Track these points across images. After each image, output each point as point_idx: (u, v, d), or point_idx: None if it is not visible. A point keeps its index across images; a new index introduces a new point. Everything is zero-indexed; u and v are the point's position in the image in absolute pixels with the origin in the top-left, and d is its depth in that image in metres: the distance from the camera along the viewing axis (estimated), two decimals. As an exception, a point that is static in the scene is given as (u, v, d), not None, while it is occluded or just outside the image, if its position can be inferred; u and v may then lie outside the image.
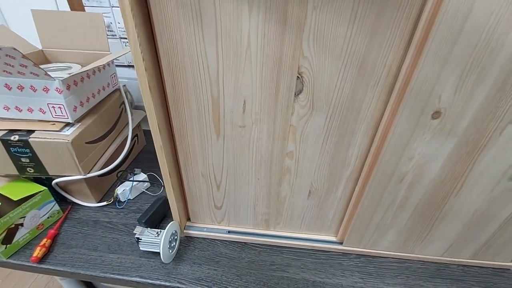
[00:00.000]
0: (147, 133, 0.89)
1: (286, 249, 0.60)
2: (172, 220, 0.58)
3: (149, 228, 0.58)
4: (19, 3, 0.85)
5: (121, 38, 0.84)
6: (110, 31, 0.82)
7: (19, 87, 0.54)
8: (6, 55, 0.47)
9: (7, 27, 0.79)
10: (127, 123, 0.77)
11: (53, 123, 0.59)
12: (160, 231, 0.56)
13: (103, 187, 0.73)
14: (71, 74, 0.56)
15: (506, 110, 0.38)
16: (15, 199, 0.56)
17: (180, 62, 0.40)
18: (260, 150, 0.48)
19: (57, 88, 0.54)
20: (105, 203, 0.69)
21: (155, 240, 0.55)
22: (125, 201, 0.70)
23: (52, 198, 0.62)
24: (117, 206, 0.69)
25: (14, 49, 0.46)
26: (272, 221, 0.60)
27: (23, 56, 0.47)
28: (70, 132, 0.58)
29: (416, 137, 0.42)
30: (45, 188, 0.61)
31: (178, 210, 0.56)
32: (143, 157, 0.87)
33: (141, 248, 0.57)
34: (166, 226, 0.55)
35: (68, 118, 0.58)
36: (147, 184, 0.75)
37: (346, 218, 0.55)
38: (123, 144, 0.75)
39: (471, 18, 0.32)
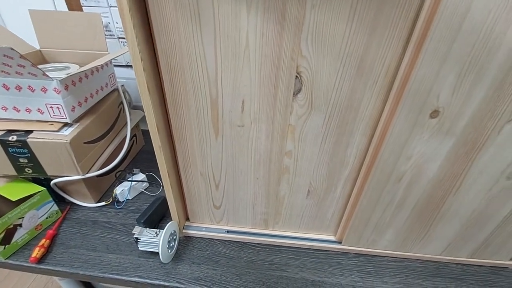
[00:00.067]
0: (146, 133, 0.89)
1: (285, 249, 0.60)
2: (171, 220, 0.58)
3: (148, 228, 0.58)
4: (17, 3, 0.84)
5: (119, 38, 0.84)
6: (108, 31, 0.82)
7: (17, 87, 0.54)
8: (4, 55, 0.47)
9: (4, 27, 0.79)
10: (126, 123, 0.77)
11: (51, 123, 0.58)
12: (159, 231, 0.56)
13: (102, 187, 0.73)
14: (69, 74, 0.56)
15: (504, 109, 0.38)
16: (13, 200, 0.56)
17: (179, 62, 0.40)
18: (259, 149, 0.48)
19: (55, 88, 0.54)
20: (103, 203, 0.69)
21: (154, 240, 0.55)
22: (123, 201, 0.70)
23: (51, 199, 0.62)
24: (116, 206, 0.69)
25: (12, 49, 0.46)
26: (271, 220, 0.60)
27: (21, 56, 0.47)
28: (68, 132, 0.57)
29: (414, 136, 0.42)
30: (43, 188, 0.61)
31: (177, 210, 0.56)
32: (141, 157, 0.87)
33: (140, 248, 0.57)
34: (165, 226, 0.55)
35: (66, 118, 0.58)
36: (145, 184, 0.75)
37: (345, 218, 0.55)
38: (121, 144, 0.74)
39: (469, 17, 0.32)
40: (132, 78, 0.90)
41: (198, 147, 0.49)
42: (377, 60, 0.37)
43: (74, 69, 0.70)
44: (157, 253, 0.53)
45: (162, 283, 0.53)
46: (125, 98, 0.77)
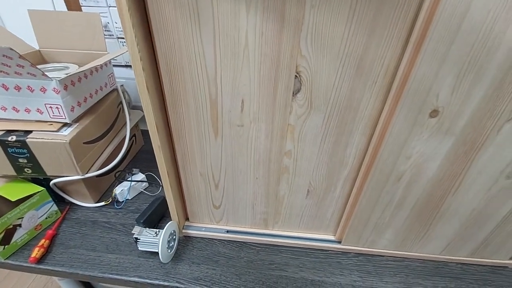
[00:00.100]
0: (145, 133, 0.89)
1: (284, 248, 0.60)
2: (171, 220, 0.58)
3: (147, 228, 0.58)
4: (16, 3, 0.84)
5: (118, 38, 0.84)
6: (107, 31, 0.82)
7: (17, 88, 0.54)
8: (3, 56, 0.47)
9: (4, 27, 0.79)
10: (125, 123, 0.77)
11: (51, 123, 0.58)
12: (159, 231, 0.56)
13: (101, 187, 0.73)
14: (68, 74, 0.55)
15: (504, 109, 0.38)
16: (13, 200, 0.56)
17: (178, 62, 0.40)
18: (258, 149, 0.48)
19: (54, 88, 0.54)
20: (103, 203, 0.69)
21: (153, 240, 0.55)
22: (123, 201, 0.70)
23: (50, 199, 0.62)
24: (115, 206, 0.69)
25: (11, 49, 0.46)
26: (271, 220, 0.60)
27: (20, 57, 0.47)
28: (67, 133, 0.57)
29: (414, 136, 0.42)
30: (43, 188, 0.60)
31: (176, 210, 0.56)
32: (141, 157, 0.87)
33: (139, 248, 0.57)
34: (165, 226, 0.55)
35: (65, 118, 0.58)
36: (145, 184, 0.75)
37: (345, 217, 0.55)
38: (121, 144, 0.74)
39: (468, 17, 0.32)
40: (131, 78, 0.90)
41: (198, 147, 0.49)
42: (376, 60, 0.37)
43: (73, 69, 0.69)
44: (157, 253, 0.53)
45: (161, 283, 0.53)
46: (125, 98, 0.77)
